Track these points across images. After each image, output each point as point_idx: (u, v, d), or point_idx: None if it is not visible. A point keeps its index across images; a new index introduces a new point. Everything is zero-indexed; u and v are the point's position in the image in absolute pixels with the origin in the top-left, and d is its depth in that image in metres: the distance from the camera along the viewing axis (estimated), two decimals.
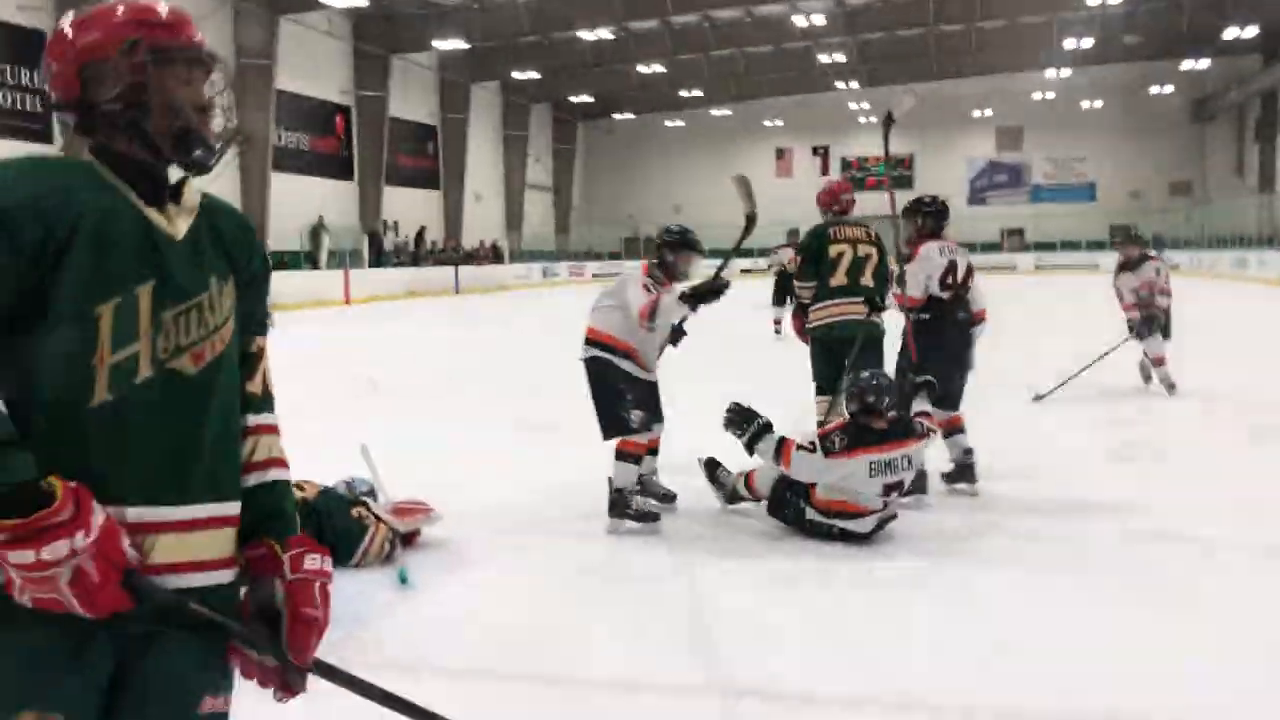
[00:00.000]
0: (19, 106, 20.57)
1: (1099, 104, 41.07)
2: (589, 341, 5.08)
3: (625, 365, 5.00)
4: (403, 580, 4.08)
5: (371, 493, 4.71)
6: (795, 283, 6.19)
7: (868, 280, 5.68)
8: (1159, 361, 8.74)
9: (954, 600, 3.91)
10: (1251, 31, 31.27)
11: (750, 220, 5.04)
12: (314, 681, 1.54)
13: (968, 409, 5.63)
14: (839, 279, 5.65)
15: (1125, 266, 9.03)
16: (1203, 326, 11.62)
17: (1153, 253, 9.35)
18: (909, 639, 3.54)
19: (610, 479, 4.96)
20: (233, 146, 1.54)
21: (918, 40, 35.17)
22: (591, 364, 5.04)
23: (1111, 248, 37.88)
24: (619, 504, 4.91)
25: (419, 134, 35.08)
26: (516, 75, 35.30)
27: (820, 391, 5.72)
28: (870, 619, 3.74)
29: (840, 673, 3.24)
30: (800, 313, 6.02)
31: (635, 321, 4.93)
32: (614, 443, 4.95)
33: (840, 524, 4.58)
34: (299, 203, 27.61)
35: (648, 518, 4.95)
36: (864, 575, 4.20)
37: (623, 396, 4.94)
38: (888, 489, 4.57)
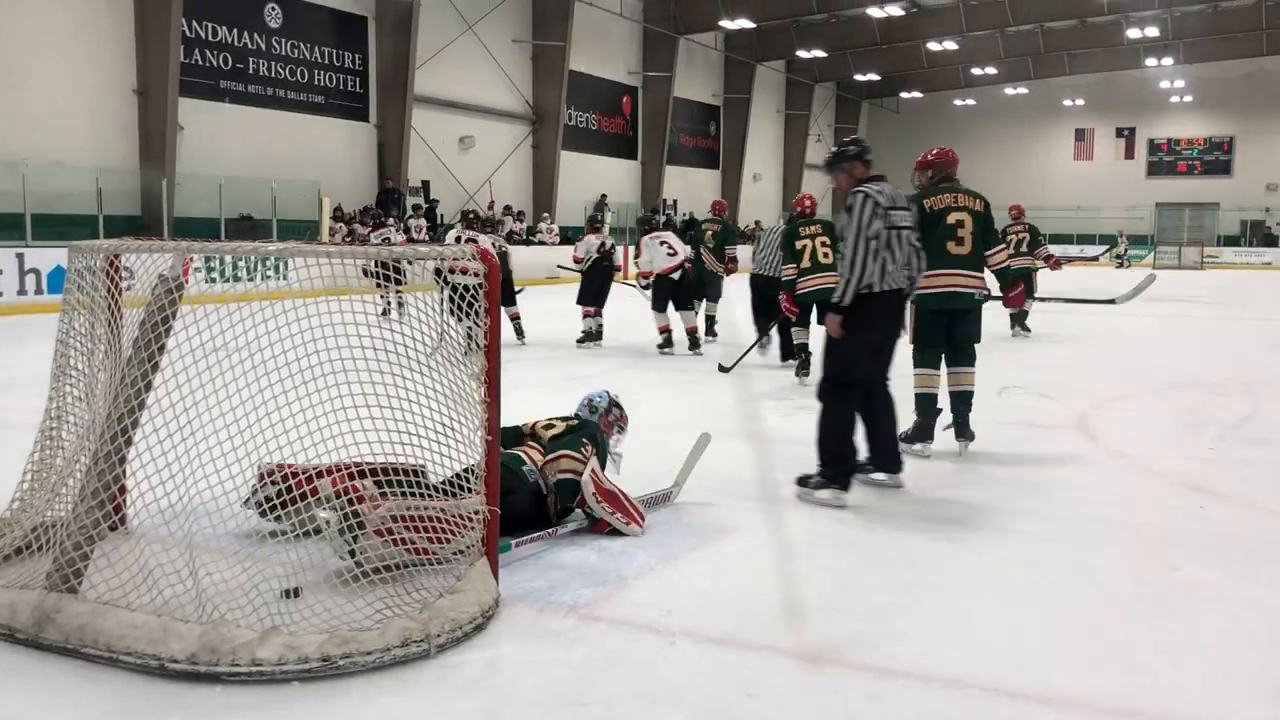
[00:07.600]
0: (343, 87, 22.51)
1: None
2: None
3: None
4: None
5: (609, 407, 4.89)
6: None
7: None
8: None
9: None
10: None
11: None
12: None
13: None
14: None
15: None
16: None
17: None
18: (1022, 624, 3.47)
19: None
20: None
21: (1246, 12, 31.94)
22: None
23: None
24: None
25: (701, 114, 35.56)
26: (802, 54, 35.01)
27: None
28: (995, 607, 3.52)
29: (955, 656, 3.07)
30: None
31: None
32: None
33: None
34: (584, 180, 28.80)
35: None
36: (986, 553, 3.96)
37: None
38: None
